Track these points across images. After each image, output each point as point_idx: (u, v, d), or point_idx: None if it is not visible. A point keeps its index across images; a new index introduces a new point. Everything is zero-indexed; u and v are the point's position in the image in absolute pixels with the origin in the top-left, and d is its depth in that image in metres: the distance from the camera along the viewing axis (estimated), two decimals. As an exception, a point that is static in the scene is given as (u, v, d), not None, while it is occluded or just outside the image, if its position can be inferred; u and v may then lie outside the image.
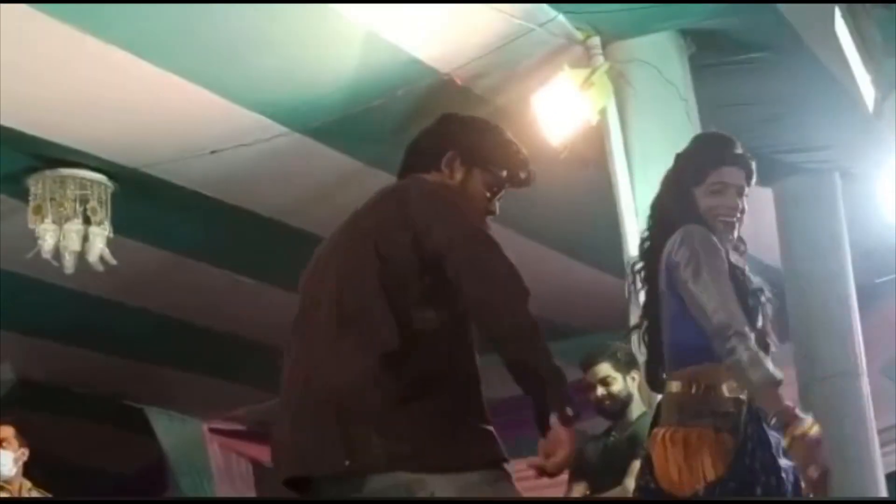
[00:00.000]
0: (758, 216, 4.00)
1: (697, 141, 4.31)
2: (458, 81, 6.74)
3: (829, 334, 8.17)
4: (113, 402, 10.74)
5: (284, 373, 3.42)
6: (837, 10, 6.01)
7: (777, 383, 3.66)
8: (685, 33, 6.73)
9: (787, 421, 3.60)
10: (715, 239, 3.93)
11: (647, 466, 3.90)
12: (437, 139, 3.78)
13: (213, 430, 11.17)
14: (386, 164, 7.66)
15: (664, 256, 3.93)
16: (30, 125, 6.82)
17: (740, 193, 4.08)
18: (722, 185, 4.06)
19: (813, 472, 3.56)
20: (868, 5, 6.02)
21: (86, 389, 10.25)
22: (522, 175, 3.79)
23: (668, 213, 4.12)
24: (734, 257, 4.00)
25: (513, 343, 3.14)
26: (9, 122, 6.70)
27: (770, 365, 3.67)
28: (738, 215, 4.06)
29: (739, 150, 4.14)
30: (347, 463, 3.14)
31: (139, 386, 10.67)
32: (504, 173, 3.76)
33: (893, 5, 5.98)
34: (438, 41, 6.48)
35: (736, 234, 4.08)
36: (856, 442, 7.97)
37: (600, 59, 6.51)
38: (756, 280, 4.03)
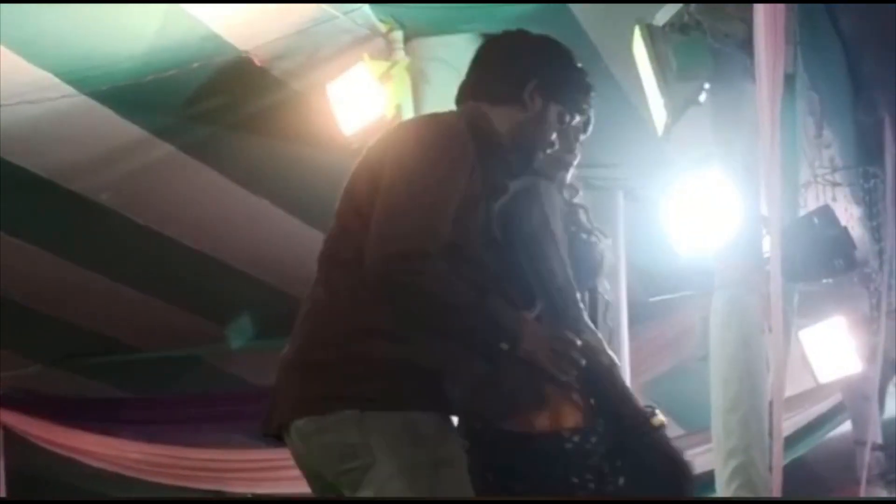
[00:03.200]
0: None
1: None
2: (257, 61, 6.68)
3: (598, 349, 8.30)
4: None
5: None
6: (637, 31, 6.11)
7: None
8: (485, 37, 6.76)
9: None
10: None
11: None
12: (518, 65, 3.46)
13: (-35, 393, 10.88)
14: (173, 136, 7.59)
15: None
16: None
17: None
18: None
19: None
20: (666, 29, 6.13)
21: None
22: (585, 128, 3.60)
23: None
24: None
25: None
26: None
27: None
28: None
29: None
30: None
31: None
32: (577, 119, 3.55)
33: (691, 32, 6.10)
34: (240, 18, 6.41)
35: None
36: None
37: (401, 53, 6.51)
38: None
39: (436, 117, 3.41)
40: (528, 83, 3.43)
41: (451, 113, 3.43)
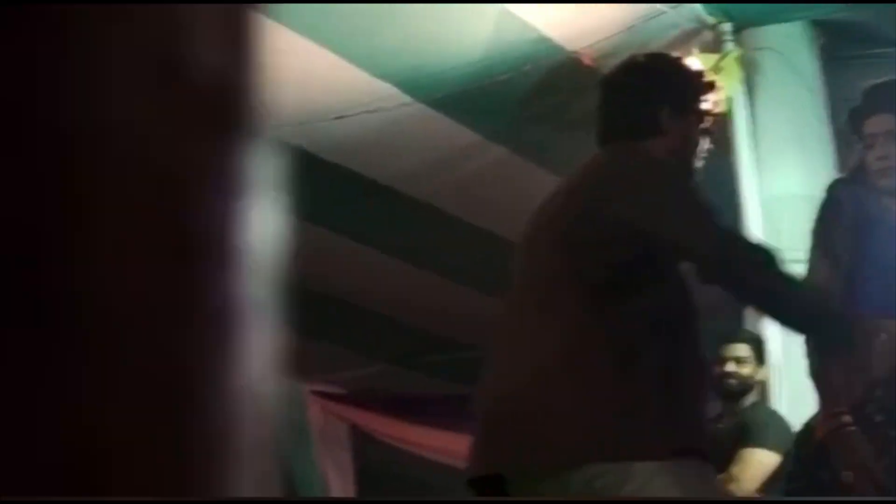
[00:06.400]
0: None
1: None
2: (586, 60, 6.71)
3: None
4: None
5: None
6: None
7: None
8: (816, 23, 6.66)
9: None
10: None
11: (823, 457, 3.54)
12: (648, 95, 3.48)
13: (314, 393, 11.23)
14: (507, 139, 7.72)
15: None
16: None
17: (893, 138, 3.75)
18: (871, 137, 3.79)
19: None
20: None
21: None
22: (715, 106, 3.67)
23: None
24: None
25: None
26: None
27: None
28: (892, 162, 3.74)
29: (881, 94, 3.83)
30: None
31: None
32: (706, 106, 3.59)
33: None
34: (569, 19, 6.47)
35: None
36: None
37: (730, 45, 6.46)
38: None
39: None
40: (661, 111, 3.44)
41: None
